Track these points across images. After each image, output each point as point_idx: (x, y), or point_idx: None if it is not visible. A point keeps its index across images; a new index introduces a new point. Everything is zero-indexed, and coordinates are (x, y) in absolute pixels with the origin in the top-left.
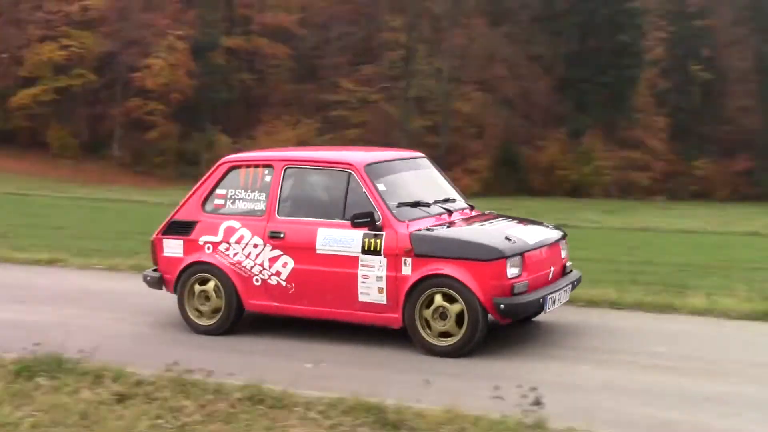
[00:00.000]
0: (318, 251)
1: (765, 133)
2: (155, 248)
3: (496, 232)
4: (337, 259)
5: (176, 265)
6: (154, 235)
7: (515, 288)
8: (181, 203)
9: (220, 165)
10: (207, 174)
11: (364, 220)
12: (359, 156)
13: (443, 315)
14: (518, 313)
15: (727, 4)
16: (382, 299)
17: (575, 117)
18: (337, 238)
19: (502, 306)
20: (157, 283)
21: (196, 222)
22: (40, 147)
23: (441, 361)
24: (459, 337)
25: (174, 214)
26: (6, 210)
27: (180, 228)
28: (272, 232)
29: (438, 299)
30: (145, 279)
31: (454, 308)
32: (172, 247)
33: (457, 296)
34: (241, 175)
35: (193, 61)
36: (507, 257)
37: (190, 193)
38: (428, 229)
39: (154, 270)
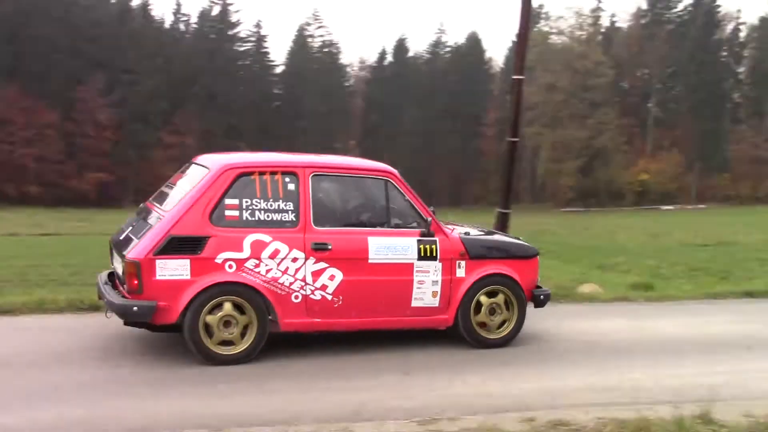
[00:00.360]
0: (371, 260)
1: None
2: (142, 271)
3: (507, 234)
4: (391, 267)
5: (181, 289)
6: (142, 255)
7: (538, 281)
8: (174, 215)
9: (224, 171)
10: (206, 182)
11: (429, 227)
12: (384, 164)
13: (491, 311)
14: (546, 303)
15: None
16: (435, 302)
17: None
18: (392, 246)
19: (542, 297)
20: (147, 313)
21: (208, 237)
22: None
23: None
24: (513, 324)
25: (171, 228)
26: None
27: (183, 245)
28: (316, 243)
29: (484, 299)
30: (126, 310)
31: (500, 299)
32: (173, 269)
33: (503, 290)
34: (255, 183)
35: None
36: (539, 254)
37: (186, 203)
38: (467, 234)
39: (126, 297)
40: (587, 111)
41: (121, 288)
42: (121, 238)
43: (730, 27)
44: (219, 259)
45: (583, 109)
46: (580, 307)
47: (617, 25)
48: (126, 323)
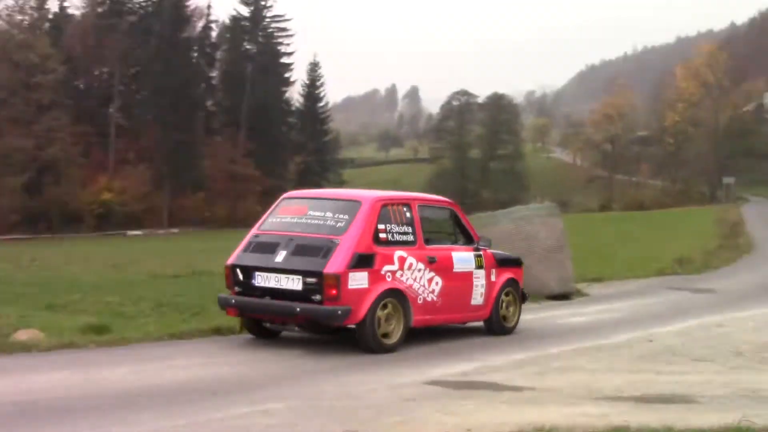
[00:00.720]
0: (454, 270)
1: None
2: (341, 282)
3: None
4: (463, 275)
5: (365, 295)
6: (341, 269)
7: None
8: (352, 239)
9: (375, 203)
10: (365, 211)
11: (477, 244)
12: (446, 198)
13: (506, 306)
14: (527, 299)
15: None
16: (481, 301)
17: None
18: (464, 259)
19: (526, 295)
20: (345, 316)
21: (375, 254)
22: None
23: None
24: (517, 316)
25: (355, 248)
26: None
27: (363, 261)
28: (429, 257)
29: (503, 297)
30: (332, 314)
31: (510, 298)
32: (358, 280)
33: (512, 290)
34: (390, 212)
35: None
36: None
37: (358, 228)
38: (491, 249)
39: (316, 304)
40: (33, 115)
41: (257, 300)
42: (277, 260)
43: (200, 24)
44: (383, 271)
45: (28, 113)
46: (12, 360)
47: (69, 11)
48: (306, 329)
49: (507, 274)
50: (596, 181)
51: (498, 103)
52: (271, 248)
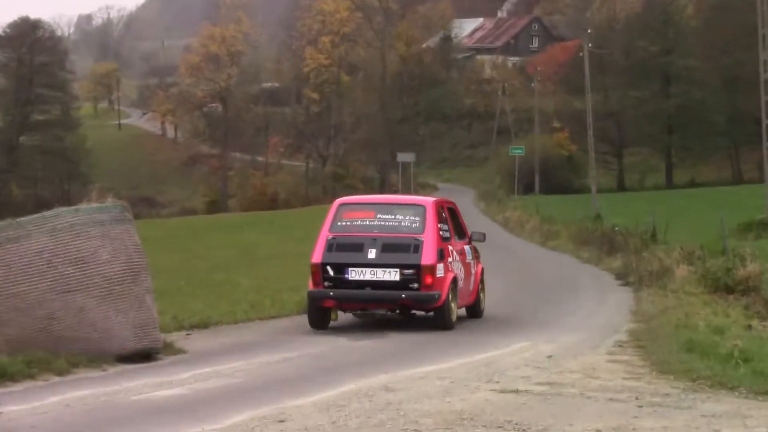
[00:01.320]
0: (467, 261)
1: None
2: (434, 271)
3: None
4: (469, 265)
5: (444, 282)
6: (433, 261)
7: None
8: (431, 236)
9: (434, 205)
10: (431, 213)
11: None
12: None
13: (480, 292)
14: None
15: None
16: (471, 288)
17: None
18: (467, 251)
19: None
20: (439, 299)
21: (444, 248)
22: None
23: None
24: (485, 301)
25: (437, 244)
26: None
27: (440, 254)
28: (459, 250)
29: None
30: (431, 298)
31: (481, 286)
32: (440, 270)
33: (482, 278)
34: (442, 213)
35: None
36: None
37: (432, 227)
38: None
39: (416, 292)
40: None
41: (353, 292)
42: (370, 257)
43: None
44: (448, 262)
45: None
46: None
47: None
48: (399, 312)
49: (480, 265)
50: (201, 163)
51: (30, 35)
52: (357, 247)
